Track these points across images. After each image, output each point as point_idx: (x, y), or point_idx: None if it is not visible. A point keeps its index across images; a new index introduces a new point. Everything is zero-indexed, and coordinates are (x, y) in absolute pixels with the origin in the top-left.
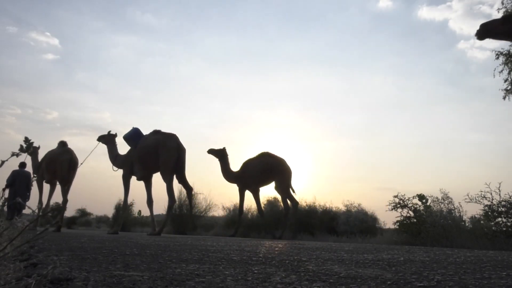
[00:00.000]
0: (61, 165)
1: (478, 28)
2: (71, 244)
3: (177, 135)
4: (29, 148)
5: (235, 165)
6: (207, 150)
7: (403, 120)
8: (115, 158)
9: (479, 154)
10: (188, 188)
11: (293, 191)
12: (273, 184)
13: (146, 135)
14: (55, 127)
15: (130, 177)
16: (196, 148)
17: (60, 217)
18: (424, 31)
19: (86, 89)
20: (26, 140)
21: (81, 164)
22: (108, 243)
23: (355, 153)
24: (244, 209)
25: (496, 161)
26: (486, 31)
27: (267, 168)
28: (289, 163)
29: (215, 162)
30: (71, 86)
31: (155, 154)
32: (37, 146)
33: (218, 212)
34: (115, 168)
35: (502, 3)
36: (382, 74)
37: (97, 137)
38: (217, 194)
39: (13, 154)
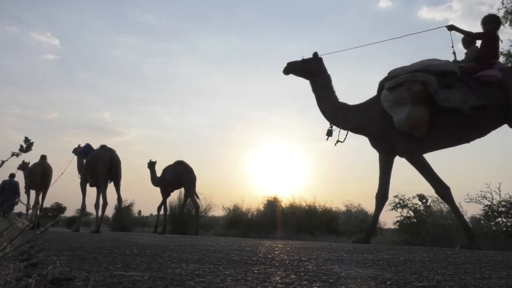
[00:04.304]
0: (35, 175)
1: (285, 65)
2: (71, 244)
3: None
4: (29, 148)
5: (232, 166)
6: (147, 165)
7: None
8: (80, 167)
9: (479, 154)
10: (119, 200)
11: (197, 197)
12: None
13: (95, 149)
14: (55, 127)
15: (86, 184)
16: (196, 148)
17: (37, 218)
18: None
19: (86, 89)
20: (26, 140)
21: (62, 173)
22: (108, 243)
23: (355, 153)
24: (244, 209)
25: (496, 161)
26: (290, 68)
27: (176, 175)
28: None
29: (215, 162)
30: (71, 86)
31: (95, 165)
32: (28, 162)
33: (218, 212)
34: (79, 176)
35: (502, 3)
36: (382, 74)
37: (72, 150)
38: (217, 194)
39: (13, 154)
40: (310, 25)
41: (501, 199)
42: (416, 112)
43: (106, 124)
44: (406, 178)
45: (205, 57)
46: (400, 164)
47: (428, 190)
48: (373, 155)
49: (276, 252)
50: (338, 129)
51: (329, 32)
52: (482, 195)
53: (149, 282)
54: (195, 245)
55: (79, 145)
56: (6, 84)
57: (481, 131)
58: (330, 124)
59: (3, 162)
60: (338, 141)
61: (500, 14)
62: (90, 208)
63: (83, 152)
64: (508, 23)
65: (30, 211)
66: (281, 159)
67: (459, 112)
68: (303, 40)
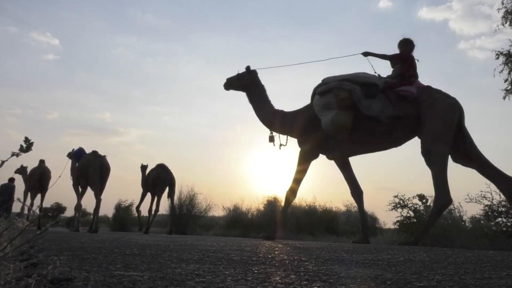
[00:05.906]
0: (34, 179)
1: (225, 81)
2: (71, 244)
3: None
4: (29, 148)
5: (223, 163)
6: (140, 167)
7: None
8: (73, 170)
9: None
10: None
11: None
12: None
13: (87, 154)
14: (55, 127)
15: (78, 186)
16: (196, 148)
17: (37, 218)
18: (424, 32)
19: (87, 89)
20: (26, 140)
21: (59, 176)
22: (108, 243)
23: None
24: (244, 209)
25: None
26: (228, 84)
27: (157, 176)
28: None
29: (215, 162)
30: (71, 86)
31: (87, 169)
32: (26, 166)
33: (218, 212)
34: (71, 177)
35: (502, 3)
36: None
37: (66, 154)
38: (217, 194)
39: (13, 154)
40: (310, 25)
41: (501, 199)
42: (340, 116)
43: (106, 124)
44: (406, 178)
45: (205, 57)
46: (400, 165)
47: (428, 190)
48: (373, 155)
49: (276, 252)
50: (279, 134)
51: (329, 32)
52: (482, 195)
53: (149, 282)
54: (195, 245)
55: (73, 149)
56: (6, 84)
57: (396, 140)
58: (270, 131)
59: (3, 162)
60: (281, 144)
61: (500, 14)
62: (89, 208)
63: (76, 156)
64: (508, 23)
65: (31, 210)
66: (281, 159)
67: (378, 120)
68: (303, 40)
